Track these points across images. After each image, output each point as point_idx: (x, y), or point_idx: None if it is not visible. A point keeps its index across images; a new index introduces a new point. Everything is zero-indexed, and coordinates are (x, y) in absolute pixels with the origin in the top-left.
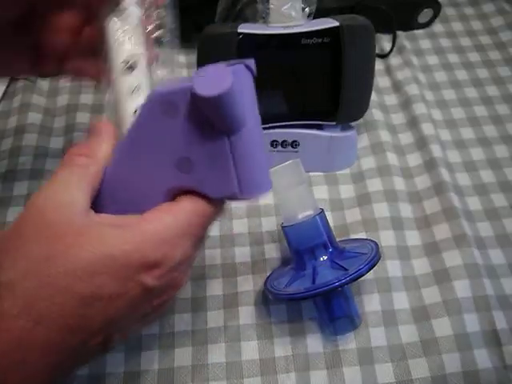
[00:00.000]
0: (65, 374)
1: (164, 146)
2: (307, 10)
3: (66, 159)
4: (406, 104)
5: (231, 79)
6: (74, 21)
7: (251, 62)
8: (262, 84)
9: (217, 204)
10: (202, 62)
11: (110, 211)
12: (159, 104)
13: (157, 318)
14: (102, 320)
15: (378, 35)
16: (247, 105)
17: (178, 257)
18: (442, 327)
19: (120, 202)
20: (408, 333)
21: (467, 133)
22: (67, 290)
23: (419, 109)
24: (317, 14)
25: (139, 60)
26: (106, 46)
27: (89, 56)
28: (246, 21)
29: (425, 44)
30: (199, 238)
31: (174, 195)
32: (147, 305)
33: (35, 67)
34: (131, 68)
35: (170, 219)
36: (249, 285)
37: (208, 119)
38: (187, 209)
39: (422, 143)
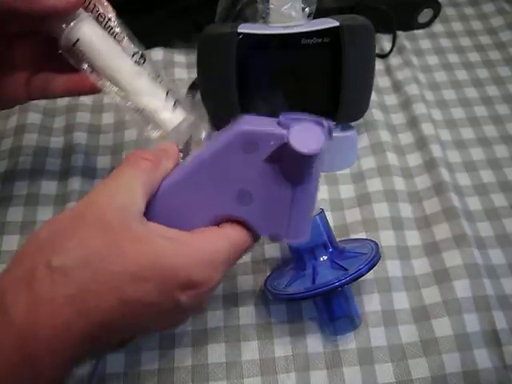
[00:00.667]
0: (75, 367)
1: (232, 177)
2: (307, 10)
3: (132, 160)
4: (406, 104)
5: (323, 142)
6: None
7: (330, 123)
8: (262, 84)
9: (255, 239)
10: (201, 62)
11: (154, 221)
12: (241, 140)
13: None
14: (133, 323)
15: (378, 35)
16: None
17: (215, 281)
18: (442, 327)
19: (167, 216)
20: (408, 333)
21: (467, 133)
22: (116, 291)
23: (419, 109)
24: (317, 14)
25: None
26: (93, 51)
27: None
28: (245, 21)
29: (425, 44)
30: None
31: (219, 222)
32: (172, 318)
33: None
34: (143, 58)
35: (218, 244)
36: (249, 285)
37: (285, 167)
38: (231, 237)
39: (422, 143)
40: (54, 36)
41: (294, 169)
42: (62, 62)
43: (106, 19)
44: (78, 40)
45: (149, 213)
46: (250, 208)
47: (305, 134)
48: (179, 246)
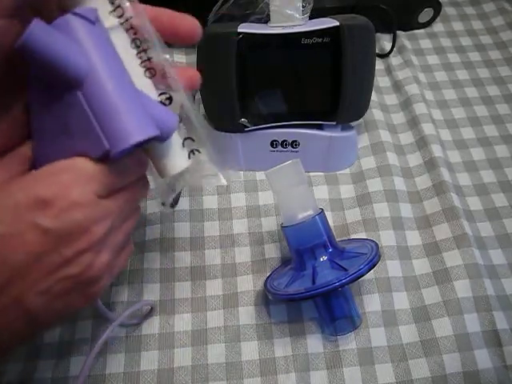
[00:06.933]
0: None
1: (48, 117)
2: (307, 8)
3: None
4: (406, 104)
5: (31, 27)
6: None
7: (87, 11)
8: (262, 84)
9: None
10: (201, 62)
11: None
12: (31, 78)
13: (93, 287)
14: (2, 266)
15: (378, 35)
16: (88, 52)
17: (72, 197)
18: (443, 327)
19: None
20: (408, 333)
21: (468, 133)
22: None
23: (419, 109)
24: (317, 14)
25: None
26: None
27: None
28: (244, 9)
29: (425, 44)
30: (105, 187)
31: None
32: (56, 255)
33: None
34: (169, 100)
35: (62, 164)
36: (249, 285)
37: (47, 76)
38: (78, 159)
39: (422, 143)
40: None
41: (41, 68)
42: None
43: (140, 49)
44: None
45: None
46: (74, 138)
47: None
48: (26, 177)
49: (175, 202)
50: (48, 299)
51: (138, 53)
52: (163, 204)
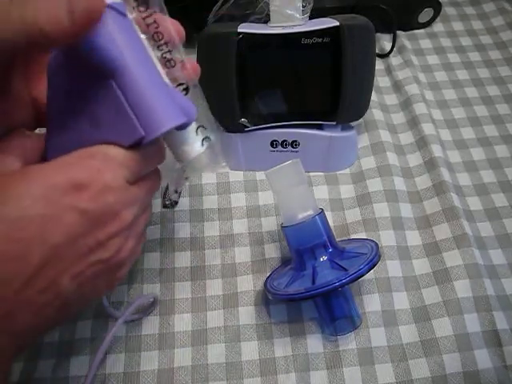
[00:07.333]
0: (19, 331)
1: (74, 107)
2: (307, 8)
3: None
4: (406, 104)
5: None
6: None
7: (119, 4)
8: (262, 84)
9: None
10: (201, 62)
11: None
12: (50, 70)
13: (118, 273)
14: (40, 247)
15: (378, 35)
16: (121, 44)
17: (105, 180)
18: (443, 327)
19: None
20: (408, 333)
21: (468, 133)
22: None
23: (419, 109)
24: (317, 14)
25: None
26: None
27: None
28: (243, 8)
29: (425, 44)
30: (132, 174)
31: None
32: (90, 238)
33: (37, 121)
34: (186, 91)
35: (87, 151)
36: (249, 285)
37: (85, 70)
38: (105, 146)
39: (422, 143)
40: None
41: (89, 62)
42: None
43: (162, 41)
44: None
45: None
46: (103, 127)
47: None
48: (56, 161)
49: (175, 202)
50: (79, 283)
51: (159, 46)
52: (176, 191)
